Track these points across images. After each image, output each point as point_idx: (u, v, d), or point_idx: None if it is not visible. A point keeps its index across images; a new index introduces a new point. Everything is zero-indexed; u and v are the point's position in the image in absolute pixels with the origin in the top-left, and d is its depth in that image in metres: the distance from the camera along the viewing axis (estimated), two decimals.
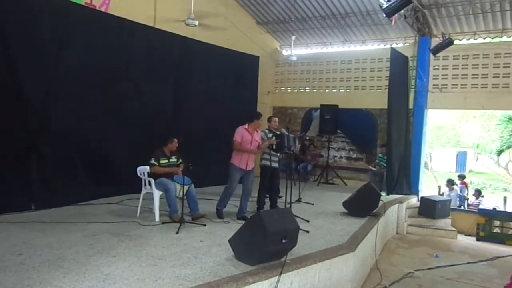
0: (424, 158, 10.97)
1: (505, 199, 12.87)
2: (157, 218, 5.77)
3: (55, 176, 6.23)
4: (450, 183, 11.69)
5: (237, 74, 9.92)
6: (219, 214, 6.15)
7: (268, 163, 6.47)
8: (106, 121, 7.11)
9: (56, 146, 6.29)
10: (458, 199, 11.45)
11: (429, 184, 14.94)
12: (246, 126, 6.09)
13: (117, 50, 7.28)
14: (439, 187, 13.15)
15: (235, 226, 5.44)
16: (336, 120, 10.91)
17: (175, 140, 6.13)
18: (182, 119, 8.46)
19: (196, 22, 8.52)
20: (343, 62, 11.57)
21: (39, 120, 6.14)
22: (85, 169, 6.69)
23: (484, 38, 9.67)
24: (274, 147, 6.32)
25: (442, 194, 11.63)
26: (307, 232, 5.52)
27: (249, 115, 6.26)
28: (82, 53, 6.69)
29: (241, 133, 6.02)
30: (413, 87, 10.21)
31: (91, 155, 6.82)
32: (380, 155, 10.26)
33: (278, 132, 6.54)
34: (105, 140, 7.02)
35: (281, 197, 7.05)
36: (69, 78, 6.48)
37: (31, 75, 6.02)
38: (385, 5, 7.26)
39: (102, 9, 7.73)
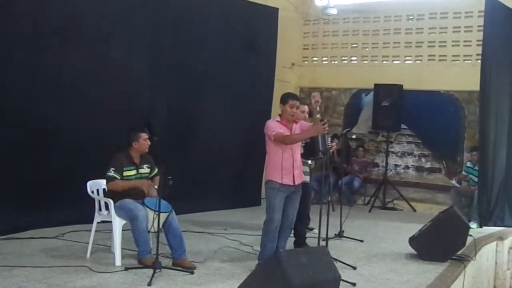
0: None
1: None
2: (118, 262, 5.78)
3: None
4: None
5: (244, 35, 9.94)
6: None
7: None
8: (41, 109, 7.12)
9: None
10: None
11: None
12: (278, 119, 5.91)
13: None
14: None
15: (238, 273, 5.46)
16: (399, 109, 10.90)
17: (142, 135, 5.99)
18: (161, 107, 8.54)
19: None
20: (411, 17, 11.54)
21: None
22: (6, 188, 6.72)
23: None
24: (302, 151, 6.29)
25: None
26: (354, 285, 5.52)
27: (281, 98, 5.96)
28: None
29: (275, 127, 5.74)
30: None
31: (15, 165, 6.82)
32: (468, 164, 10.23)
33: None
34: (38, 142, 7.02)
35: (312, 229, 7.04)
36: None
37: None
38: None
39: None
